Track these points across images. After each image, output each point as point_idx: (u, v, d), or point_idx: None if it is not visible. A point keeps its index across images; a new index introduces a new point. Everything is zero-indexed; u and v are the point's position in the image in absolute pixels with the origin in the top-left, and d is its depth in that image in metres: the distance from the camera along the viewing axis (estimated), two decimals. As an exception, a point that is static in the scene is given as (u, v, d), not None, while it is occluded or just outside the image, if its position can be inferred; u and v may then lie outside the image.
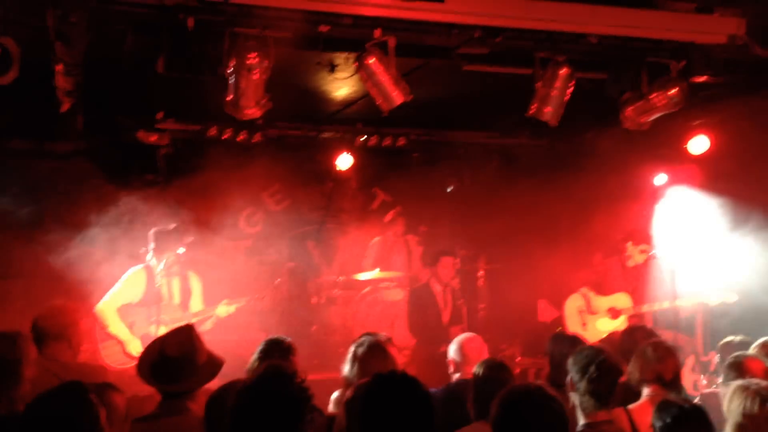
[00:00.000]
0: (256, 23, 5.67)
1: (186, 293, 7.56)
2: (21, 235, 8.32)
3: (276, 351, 4.86)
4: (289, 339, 5.01)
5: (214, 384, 3.87)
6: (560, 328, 8.50)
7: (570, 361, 4.24)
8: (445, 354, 5.60)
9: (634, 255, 8.33)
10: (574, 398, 4.13)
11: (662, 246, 8.32)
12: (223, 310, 7.47)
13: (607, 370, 4.12)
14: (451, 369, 5.40)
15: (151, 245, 7.31)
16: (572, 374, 4.19)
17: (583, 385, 4.09)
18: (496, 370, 4.55)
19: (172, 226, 7.49)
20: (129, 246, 7.83)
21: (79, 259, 7.77)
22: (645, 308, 8.12)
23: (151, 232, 7.39)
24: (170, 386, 3.94)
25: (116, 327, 7.19)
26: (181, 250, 7.33)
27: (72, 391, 3.06)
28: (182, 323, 4.55)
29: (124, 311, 7.28)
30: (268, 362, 3.13)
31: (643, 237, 8.37)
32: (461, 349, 5.32)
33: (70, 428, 2.94)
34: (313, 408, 4.13)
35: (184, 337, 4.09)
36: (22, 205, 8.45)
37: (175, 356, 3.98)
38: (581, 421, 4.12)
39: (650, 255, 8.18)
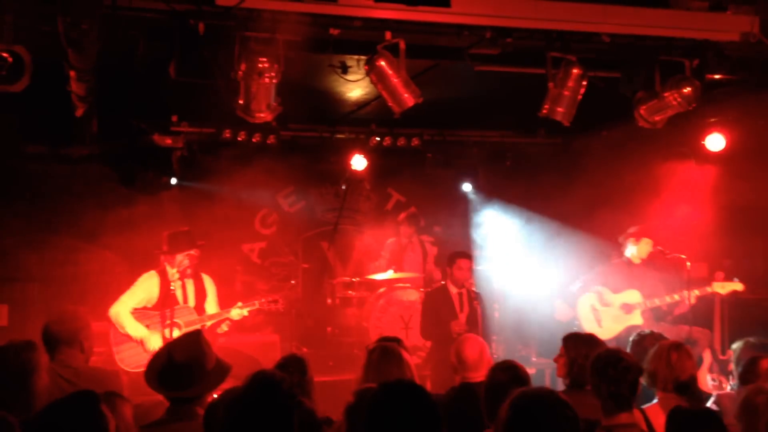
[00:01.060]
0: (267, 27, 5.67)
1: (201, 296, 7.57)
2: (37, 239, 8.39)
3: (290, 367, 4.85)
4: (303, 358, 4.98)
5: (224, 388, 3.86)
6: (576, 328, 8.48)
7: (590, 366, 4.21)
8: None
9: (639, 250, 8.36)
10: (598, 402, 4.11)
11: (665, 240, 8.35)
12: (237, 312, 7.47)
13: (626, 371, 4.09)
14: (453, 372, 5.37)
15: (165, 248, 7.34)
16: (592, 378, 4.17)
17: (603, 389, 4.07)
18: (509, 374, 4.48)
19: (185, 228, 7.51)
20: (144, 249, 7.88)
21: (95, 262, 7.84)
22: (657, 302, 8.15)
23: (165, 234, 7.42)
24: (178, 392, 3.93)
25: (132, 327, 7.20)
26: (193, 252, 7.34)
27: (83, 400, 3.06)
28: (195, 327, 4.55)
29: (139, 315, 7.30)
30: (258, 371, 3.12)
31: (644, 232, 8.40)
32: (459, 353, 5.26)
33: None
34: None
35: (192, 343, 4.08)
36: (38, 209, 8.52)
37: (183, 362, 3.97)
38: (603, 423, 4.10)
39: (655, 249, 8.23)
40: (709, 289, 8.11)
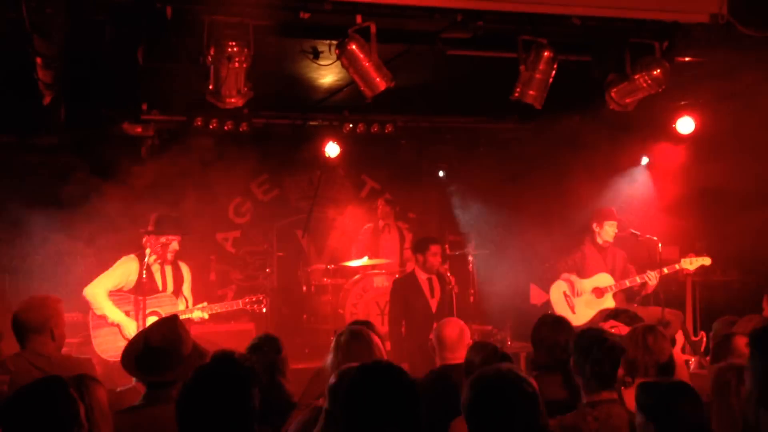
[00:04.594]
0: (236, 11, 5.61)
1: (178, 282, 7.55)
2: (7, 230, 8.28)
3: (265, 347, 4.86)
4: (277, 337, 5.00)
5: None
6: (550, 311, 8.53)
7: (573, 344, 4.22)
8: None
9: (603, 233, 8.43)
10: (578, 380, 4.14)
11: (637, 223, 8.43)
12: (198, 314, 7.45)
13: (609, 351, 4.12)
14: (432, 354, 5.39)
15: (150, 228, 7.27)
16: (575, 357, 4.19)
17: (587, 368, 4.10)
18: (482, 354, 4.47)
19: (174, 214, 7.48)
20: (115, 238, 7.81)
21: (66, 253, 7.75)
22: (627, 283, 8.23)
23: (153, 216, 7.37)
24: (154, 377, 3.92)
25: (110, 309, 7.15)
26: (167, 238, 7.30)
27: (50, 385, 3.02)
28: (171, 313, 4.54)
29: (116, 299, 7.24)
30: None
31: (608, 214, 8.45)
32: (439, 335, 5.27)
33: (48, 423, 2.90)
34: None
35: (168, 328, 4.07)
36: (7, 200, 8.39)
37: (159, 346, 3.96)
38: (584, 400, 4.13)
39: (627, 232, 8.30)
40: (677, 266, 8.20)
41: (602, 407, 4.02)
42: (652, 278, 8.08)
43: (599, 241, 8.51)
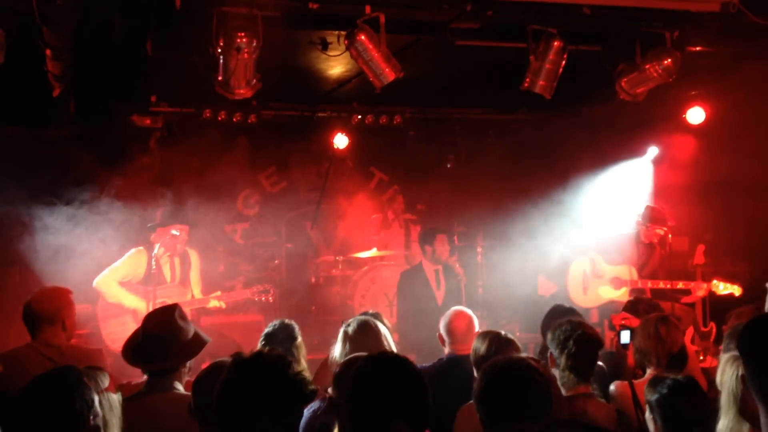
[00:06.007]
0: (245, 2, 5.61)
1: (186, 270, 7.57)
2: (16, 222, 8.29)
3: (279, 334, 4.87)
4: (292, 324, 5.01)
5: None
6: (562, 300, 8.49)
7: (549, 337, 4.21)
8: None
9: (649, 234, 8.26)
10: (555, 373, 4.13)
11: (672, 227, 8.29)
12: (215, 303, 7.48)
13: (586, 345, 4.10)
14: (441, 344, 5.38)
15: (157, 221, 7.30)
16: (552, 350, 4.18)
17: (563, 361, 4.10)
18: (500, 345, 4.44)
19: (177, 206, 7.51)
20: (125, 230, 7.81)
21: (75, 245, 7.75)
22: (650, 284, 8.10)
23: (159, 210, 7.40)
24: (152, 364, 3.94)
25: (123, 296, 7.19)
26: (176, 232, 7.32)
27: (66, 375, 3.03)
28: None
29: (126, 291, 7.28)
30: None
31: (659, 220, 8.25)
32: (448, 324, 5.26)
33: (65, 412, 2.91)
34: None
35: (166, 316, 4.07)
36: (17, 192, 8.41)
37: (155, 335, 3.97)
38: (563, 393, 4.13)
39: (664, 234, 8.15)
40: (705, 285, 7.99)
41: (577, 402, 4.02)
42: (701, 290, 7.90)
43: (642, 237, 8.33)
